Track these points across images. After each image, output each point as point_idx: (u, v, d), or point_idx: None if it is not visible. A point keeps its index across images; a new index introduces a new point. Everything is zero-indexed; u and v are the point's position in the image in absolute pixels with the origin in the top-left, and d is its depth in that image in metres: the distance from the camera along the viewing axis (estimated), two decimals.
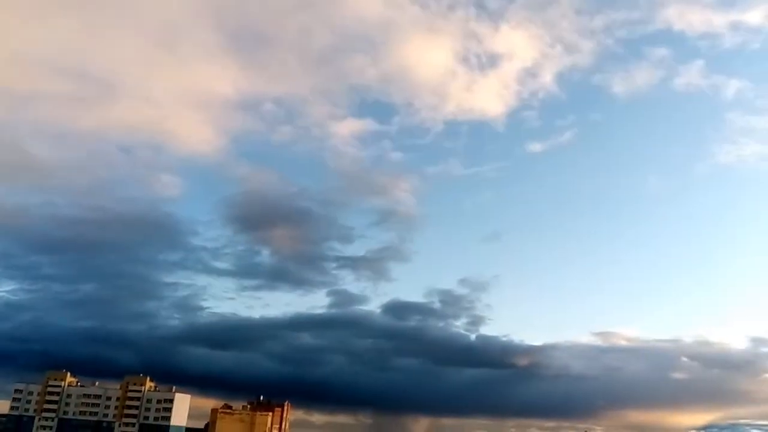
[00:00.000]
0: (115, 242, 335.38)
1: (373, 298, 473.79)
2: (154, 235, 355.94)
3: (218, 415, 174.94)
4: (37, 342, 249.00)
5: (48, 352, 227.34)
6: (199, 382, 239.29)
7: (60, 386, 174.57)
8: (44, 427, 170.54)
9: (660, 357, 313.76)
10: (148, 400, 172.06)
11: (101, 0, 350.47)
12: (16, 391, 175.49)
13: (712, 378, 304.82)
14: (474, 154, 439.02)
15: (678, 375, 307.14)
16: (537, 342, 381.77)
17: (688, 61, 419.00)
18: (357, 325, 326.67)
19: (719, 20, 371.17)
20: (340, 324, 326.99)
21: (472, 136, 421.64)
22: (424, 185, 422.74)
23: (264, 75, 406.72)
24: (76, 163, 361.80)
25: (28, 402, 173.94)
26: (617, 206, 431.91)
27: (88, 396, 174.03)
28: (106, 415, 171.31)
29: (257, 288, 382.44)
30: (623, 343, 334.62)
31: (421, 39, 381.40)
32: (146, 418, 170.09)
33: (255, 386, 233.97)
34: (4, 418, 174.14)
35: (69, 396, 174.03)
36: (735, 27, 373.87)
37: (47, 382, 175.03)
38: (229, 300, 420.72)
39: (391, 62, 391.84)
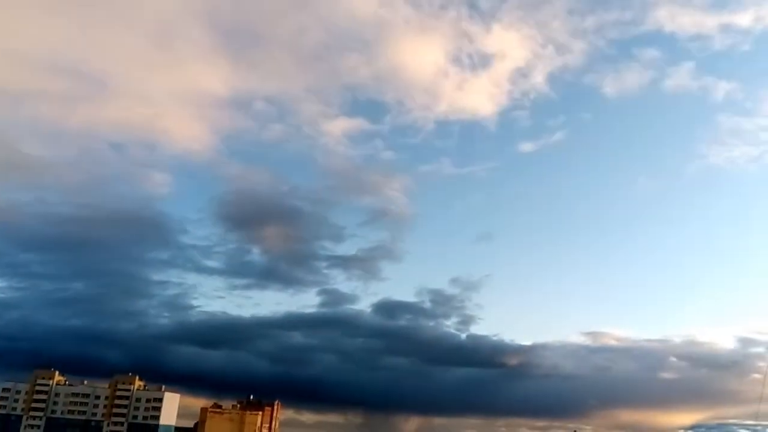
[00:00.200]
0: (105, 240, 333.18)
1: (364, 298, 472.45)
2: (144, 233, 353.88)
3: (208, 414, 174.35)
4: (25, 340, 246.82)
5: (36, 351, 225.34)
6: (188, 381, 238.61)
7: (48, 385, 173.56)
8: (32, 426, 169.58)
9: (649, 357, 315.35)
10: (137, 400, 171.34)
11: None
12: (3, 389, 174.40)
13: (700, 378, 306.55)
14: (465, 153, 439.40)
15: (667, 375, 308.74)
16: (527, 342, 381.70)
17: (679, 63, 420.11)
18: (347, 324, 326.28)
19: (710, 22, 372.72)
20: (330, 323, 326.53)
21: (464, 136, 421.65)
22: (416, 184, 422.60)
23: (256, 73, 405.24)
24: (68, 161, 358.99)
25: (16, 401, 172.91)
26: (608, 206, 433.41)
27: (77, 395, 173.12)
28: (94, 415, 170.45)
29: (247, 287, 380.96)
30: (613, 342, 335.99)
31: (414, 38, 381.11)
32: (135, 417, 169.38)
33: (245, 385, 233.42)
34: None
35: (57, 395, 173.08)
36: (725, 29, 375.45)
37: (35, 380, 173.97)
38: (219, 299, 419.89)
39: (384, 61, 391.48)
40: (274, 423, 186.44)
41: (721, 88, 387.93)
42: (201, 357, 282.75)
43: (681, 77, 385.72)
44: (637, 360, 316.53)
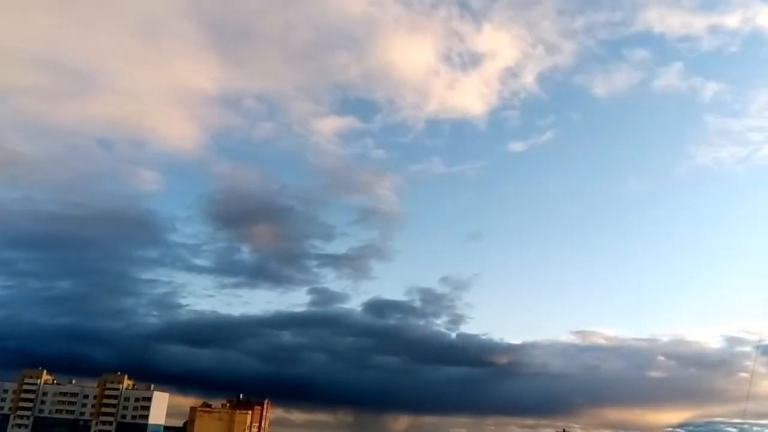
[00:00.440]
0: (93, 238, 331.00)
1: (354, 297, 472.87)
2: (132, 231, 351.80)
3: (197, 413, 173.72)
4: (12, 339, 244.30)
5: (24, 350, 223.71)
6: (177, 380, 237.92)
7: (36, 384, 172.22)
8: (19, 426, 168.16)
9: (637, 356, 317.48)
10: (126, 399, 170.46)
11: None
12: None
13: (688, 376, 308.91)
14: (456, 152, 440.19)
15: (655, 373, 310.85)
16: (517, 340, 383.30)
17: (668, 63, 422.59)
18: (338, 323, 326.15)
19: (698, 23, 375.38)
20: (320, 322, 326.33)
21: (454, 135, 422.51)
22: (406, 183, 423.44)
23: (246, 70, 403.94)
24: (55, 158, 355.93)
25: (3, 400, 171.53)
26: (597, 206, 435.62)
27: (65, 394, 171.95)
28: (82, 414, 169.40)
29: (237, 285, 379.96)
30: (601, 341, 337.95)
31: (404, 37, 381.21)
32: (124, 416, 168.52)
33: (234, 384, 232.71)
34: None
35: (45, 394, 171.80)
36: (714, 30, 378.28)
37: (23, 379, 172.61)
38: (208, 297, 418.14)
39: (374, 60, 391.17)
40: (263, 422, 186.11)
41: (710, 89, 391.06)
42: (190, 356, 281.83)
43: (670, 78, 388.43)
44: (625, 359, 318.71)
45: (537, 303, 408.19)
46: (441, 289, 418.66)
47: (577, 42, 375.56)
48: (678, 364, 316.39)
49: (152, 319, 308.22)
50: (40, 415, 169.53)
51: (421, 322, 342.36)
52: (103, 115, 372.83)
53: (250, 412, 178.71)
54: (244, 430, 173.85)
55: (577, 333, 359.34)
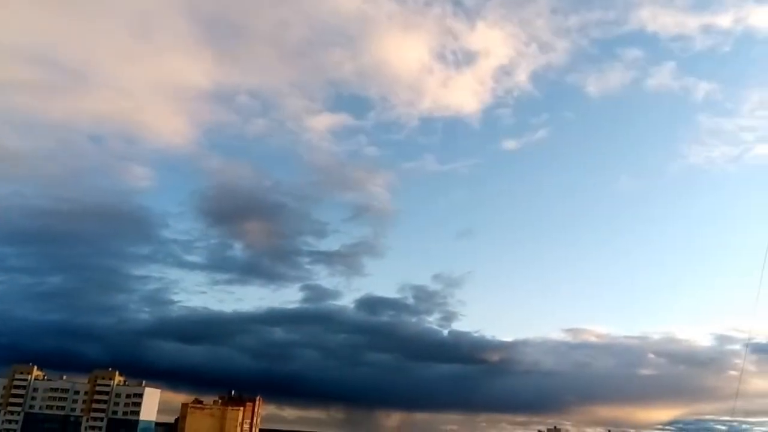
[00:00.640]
0: (84, 234, 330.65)
1: (347, 293, 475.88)
2: (124, 227, 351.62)
3: (189, 409, 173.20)
4: (2, 335, 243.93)
5: (14, 346, 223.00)
6: (169, 376, 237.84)
7: (26, 380, 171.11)
8: (9, 422, 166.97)
9: (628, 353, 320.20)
10: (117, 395, 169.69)
11: None
12: None
13: (678, 374, 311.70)
14: (449, 150, 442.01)
15: (645, 371, 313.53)
16: (508, 338, 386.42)
17: (661, 63, 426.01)
18: (330, 320, 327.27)
19: (691, 23, 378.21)
20: (313, 319, 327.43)
21: (447, 133, 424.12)
22: (399, 181, 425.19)
23: (239, 67, 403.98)
24: (46, 153, 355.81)
25: None
26: (589, 205, 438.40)
27: (55, 390, 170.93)
28: (73, 410, 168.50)
29: (229, 282, 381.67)
30: (593, 339, 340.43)
31: (398, 34, 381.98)
32: (115, 412, 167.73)
33: (226, 381, 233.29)
34: None
35: (35, 390, 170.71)
36: (706, 30, 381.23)
37: (13, 375, 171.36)
38: (200, 294, 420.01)
39: (368, 57, 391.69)
40: (255, 418, 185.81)
41: (702, 89, 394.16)
42: (182, 352, 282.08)
43: (663, 77, 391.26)
44: (616, 356, 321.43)
45: (529, 300, 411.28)
46: (433, 287, 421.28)
47: (570, 41, 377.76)
48: (668, 362, 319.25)
49: (144, 315, 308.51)
50: (31, 411, 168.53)
51: (414, 320, 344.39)
52: (95, 111, 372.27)
53: (241, 408, 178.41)
54: (236, 426, 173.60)
55: (568, 331, 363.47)
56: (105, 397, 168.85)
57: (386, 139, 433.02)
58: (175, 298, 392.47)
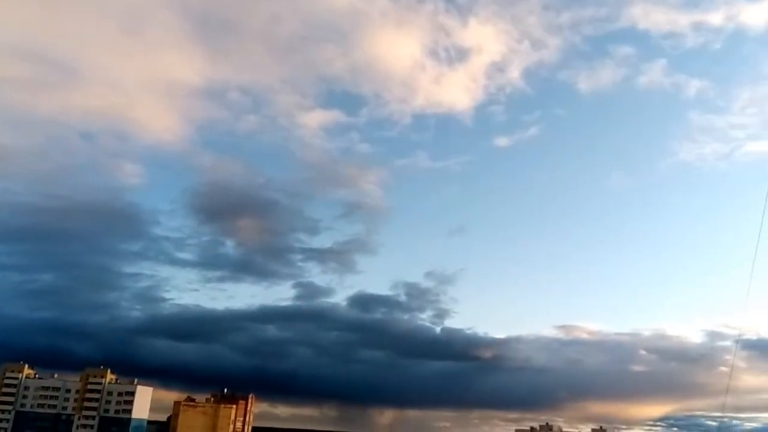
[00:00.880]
0: (75, 231, 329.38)
1: (339, 291, 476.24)
2: (115, 224, 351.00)
3: (181, 407, 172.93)
4: None
5: (5, 344, 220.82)
6: (161, 374, 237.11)
7: (17, 378, 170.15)
8: (0, 420, 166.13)
9: (619, 350, 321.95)
10: (109, 393, 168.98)
11: None
12: None
13: (669, 371, 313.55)
14: (441, 147, 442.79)
15: (637, 367, 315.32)
16: (501, 335, 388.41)
17: (652, 60, 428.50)
18: (323, 317, 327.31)
19: (682, 20, 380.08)
20: (305, 316, 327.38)
21: (440, 130, 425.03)
22: (392, 178, 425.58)
23: (230, 63, 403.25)
24: (35, 150, 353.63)
25: None
26: (581, 201, 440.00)
27: (47, 388, 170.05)
28: (65, 408, 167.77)
29: (221, 279, 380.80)
30: (584, 336, 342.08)
31: (391, 31, 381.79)
32: (107, 411, 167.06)
33: (219, 379, 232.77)
34: None
35: (26, 388, 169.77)
36: (697, 27, 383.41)
37: (4, 374, 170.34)
38: (192, 291, 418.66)
39: (360, 53, 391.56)
40: (248, 416, 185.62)
41: (693, 86, 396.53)
42: (174, 350, 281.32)
43: (654, 74, 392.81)
44: (608, 353, 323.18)
45: (521, 297, 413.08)
46: (426, 284, 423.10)
47: (562, 38, 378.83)
48: (659, 359, 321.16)
49: (135, 312, 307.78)
50: (22, 409, 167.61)
51: (406, 317, 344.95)
52: (86, 107, 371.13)
53: (234, 406, 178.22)
54: (229, 424, 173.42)
55: (560, 327, 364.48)
56: (97, 396, 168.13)
57: (379, 135, 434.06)
58: (167, 295, 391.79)
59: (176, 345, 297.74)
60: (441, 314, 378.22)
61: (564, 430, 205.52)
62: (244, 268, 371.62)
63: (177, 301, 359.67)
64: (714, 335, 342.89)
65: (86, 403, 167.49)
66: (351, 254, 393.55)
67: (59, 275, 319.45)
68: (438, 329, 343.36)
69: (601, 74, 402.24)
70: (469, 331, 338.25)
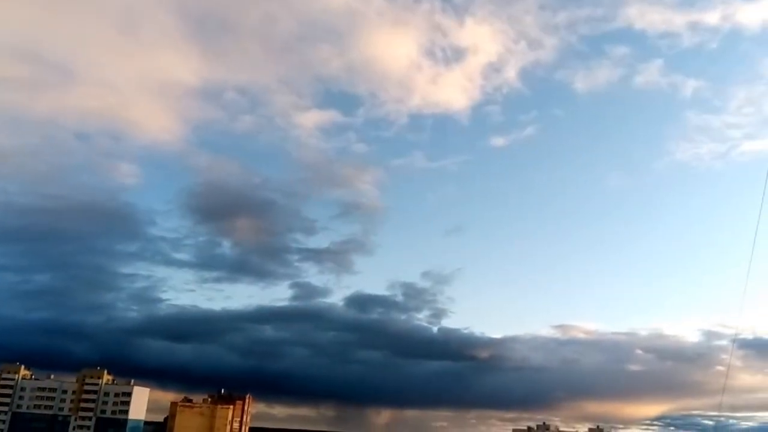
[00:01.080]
0: (70, 232, 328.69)
1: (336, 291, 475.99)
2: (111, 224, 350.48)
3: (178, 408, 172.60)
4: None
5: (1, 345, 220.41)
6: (158, 375, 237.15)
7: (13, 379, 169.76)
8: None
9: (616, 349, 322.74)
10: (106, 394, 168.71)
11: None
12: None
13: (666, 370, 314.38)
14: (438, 147, 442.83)
15: (633, 367, 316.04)
16: (498, 335, 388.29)
17: (648, 60, 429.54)
18: (320, 317, 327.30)
19: (679, 20, 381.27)
20: (302, 317, 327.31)
21: (437, 130, 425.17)
22: (388, 178, 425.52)
23: (226, 63, 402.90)
24: (30, 150, 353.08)
25: None
26: (577, 201, 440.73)
27: (43, 389, 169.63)
28: (61, 409, 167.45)
29: (218, 280, 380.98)
30: (581, 335, 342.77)
31: (387, 31, 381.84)
32: (103, 411, 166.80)
33: (216, 379, 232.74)
34: None
35: (23, 389, 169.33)
36: (693, 27, 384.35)
37: (0, 375, 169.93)
38: (189, 292, 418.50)
39: (357, 53, 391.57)
40: (245, 417, 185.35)
41: (690, 86, 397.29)
42: (171, 351, 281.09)
43: (650, 74, 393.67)
44: (604, 352, 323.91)
45: (518, 297, 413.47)
46: (423, 284, 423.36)
47: (559, 37, 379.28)
48: (656, 358, 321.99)
49: (132, 313, 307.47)
50: (18, 410, 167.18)
51: (403, 317, 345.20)
52: (81, 107, 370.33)
53: (231, 406, 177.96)
54: (226, 424, 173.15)
55: (557, 327, 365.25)
56: (93, 396, 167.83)
57: (375, 136, 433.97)
58: (164, 296, 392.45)
59: (173, 345, 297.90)
60: (438, 314, 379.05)
61: (561, 429, 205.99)
62: (240, 268, 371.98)
63: (174, 302, 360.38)
64: (710, 334, 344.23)
65: (83, 404, 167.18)
66: (348, 254, 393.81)
67: (55, 276, 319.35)
68: (435, 329, 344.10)
69: (598, 74, 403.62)
70: (466, 331, 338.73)
